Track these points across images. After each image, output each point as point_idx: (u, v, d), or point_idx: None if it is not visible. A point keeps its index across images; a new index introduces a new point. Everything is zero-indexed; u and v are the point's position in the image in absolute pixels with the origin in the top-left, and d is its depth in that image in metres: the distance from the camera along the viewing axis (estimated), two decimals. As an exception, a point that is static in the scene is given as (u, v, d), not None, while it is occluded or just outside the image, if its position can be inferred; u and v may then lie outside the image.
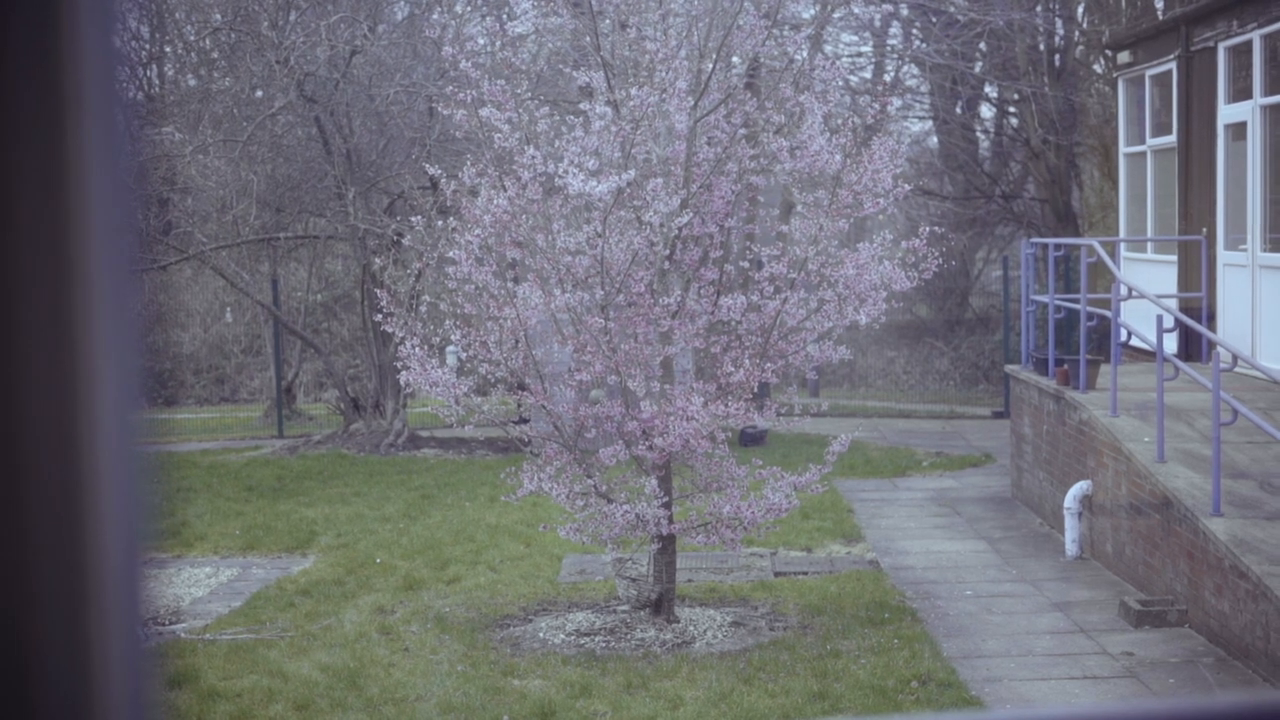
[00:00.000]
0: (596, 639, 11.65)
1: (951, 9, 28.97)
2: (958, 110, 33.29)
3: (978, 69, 31.15)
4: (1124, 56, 20.92)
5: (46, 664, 0.80)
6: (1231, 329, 16.91)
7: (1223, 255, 17.67)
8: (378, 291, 12.80)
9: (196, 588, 13.77)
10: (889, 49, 33.91)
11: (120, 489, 0.78)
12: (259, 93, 22.01)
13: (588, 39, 11.79)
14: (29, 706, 0.80)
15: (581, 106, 11.69)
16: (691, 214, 11.38)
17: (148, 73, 29.45)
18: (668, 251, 11.44)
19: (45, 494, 0.78)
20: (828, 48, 30.17)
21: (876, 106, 12.62)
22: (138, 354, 0.82)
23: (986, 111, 35.15)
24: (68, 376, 0.79)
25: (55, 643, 0.80)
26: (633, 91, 11.19)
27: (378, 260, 18.92)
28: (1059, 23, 30.75)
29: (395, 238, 19.54)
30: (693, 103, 11.38)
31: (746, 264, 12.49)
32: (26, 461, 0.78)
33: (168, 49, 28.69)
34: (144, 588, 0.82)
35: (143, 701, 0.83)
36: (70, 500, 0.78)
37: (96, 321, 0.80)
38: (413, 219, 12.46)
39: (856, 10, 30.81)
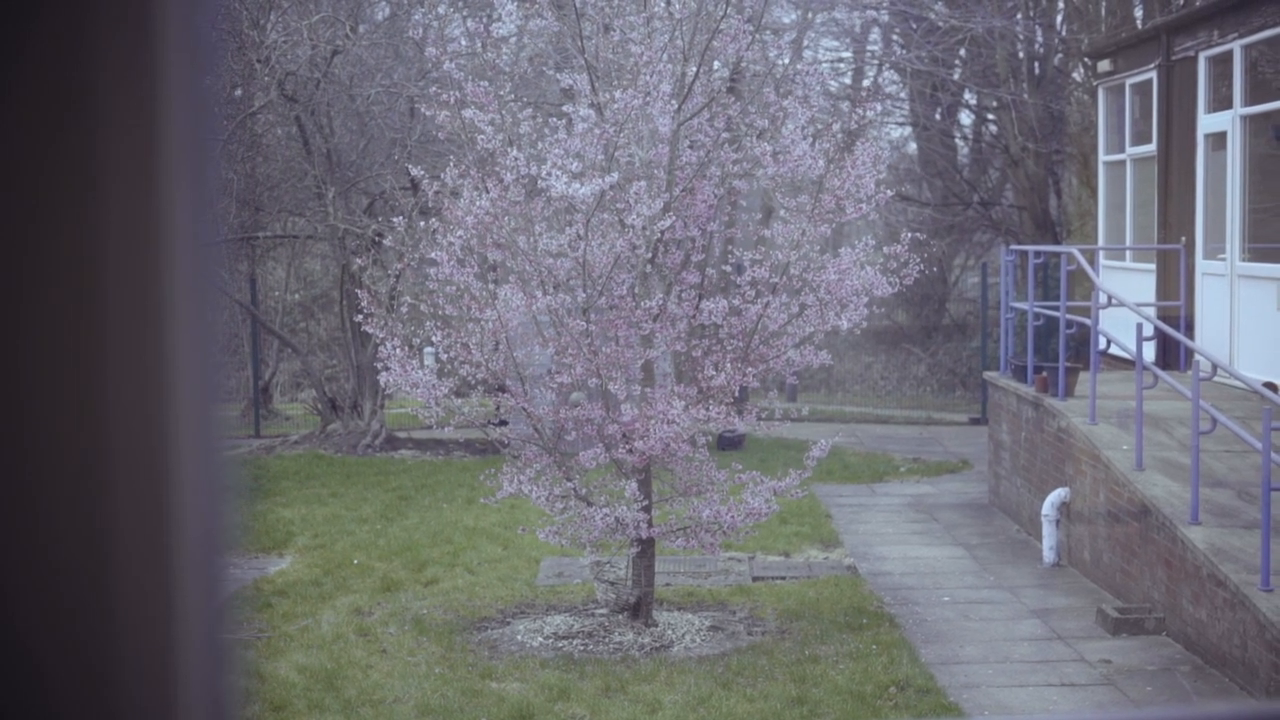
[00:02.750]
0: (574, 642, 11.63)
1: (932, 15, 29.03)
2: (937, 117, 33.35)
3: (957, 75, 31.22)
4: (1104, 65, 20.96)
5: (129, 663, 0.79)
6: (1210, 338, 16.96)
7: (1201, 264, 17.71)
8: (358, 292, 12.78)
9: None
10: (869, 55, 33.95)
11: (202, 486, 0.78)
12: (239, 91, 21.95)
13: (571, 41, 11.78)
14: (112, 705, 0.79)
15: (565, 109, 11.68)
16: (674, 217, 11.37)
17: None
18: (650, 255, 11.43)
19: (131, 494, 0.78)
20: (808, 53, 30.22)
21: (859, 111, 12.61)
22: (218, 351, 0.81)
23: (966, 118, 35.22)
24: (154, 373, 0.78)
25: (138, 640, 0.80)
26: (616, 94, 11.18)
27: (358, 261, 18.88)
28: (1039, 30, 30.82)
29: (375, 238, 19.50)
30: (676, 106, 11.38)
31: (729, 268, 12.49)
32: (111, 470, 0.78)
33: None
34: (225, 586, 0.81)
35: (222, 700, 0.82)
36: (155, 498, 0.78)
37: (181, 317, 0.79)
38: (394, 219, 12.43)
39: (838, 16, 30.85)
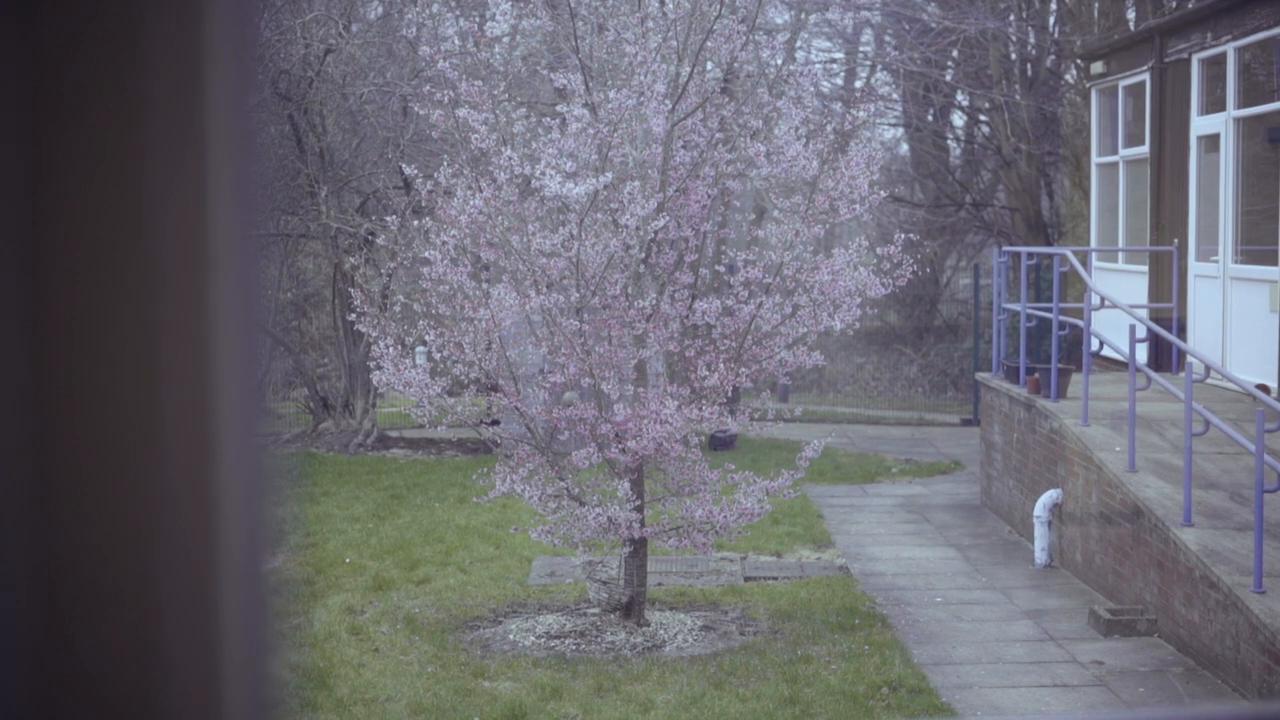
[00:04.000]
0: (567, 641, 11.63)
1: (925, 17, 29.04)
2: (929, 118, 33.36)
3: (949, 77, 31.23)
4: (1097, 67, 20.98)
5: (174, 666, 0.80)
6: (1202, 340, 16.98)
7: (1194, 266, 17.73)
8: (350, 290, 12.76)
9: (164, 586, 13.70)
10: (861, 56, 33.96)
11: (245, 482, 0.78)
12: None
13: (565, 41, 11.78)
14: (158, 706, 0.79)
15: (559, 108, 11.67)
16: (667, 218, 11.37)
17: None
18: (643, 255, 11.43)
19: (179, 489, 0.78)
20: (800, 54, 30.20)
21: (853, 112, 12.62)
22: (260, 352, 0.82)
23: (958, 120, 35.23)
24: (201, 372, 0.78)
25: (184, 642, 0.80)
26: (610, 94, 11.18)
27: (350, 259, 18.86)
28: (1031, 32, 30.83)
29: (368, 237, 19.48)
30: (670, 106, 11.37)
31: (722, 268, 12.48)
32: (162, 471, 0.78)
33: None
34: (268, 588, 0.81)
35: (264, 704, 0.83)
36: (202, 493, 0.78)
37: (226, 313, 0.80)
38: (387, 218, 12.42)
39: (830, 17, 30.85)
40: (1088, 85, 22.16)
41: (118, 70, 0.79)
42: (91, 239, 0.81)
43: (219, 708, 0.82)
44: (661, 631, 11.82)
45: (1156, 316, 17.57)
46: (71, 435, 0.80)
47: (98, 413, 0.80)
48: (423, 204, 12.15)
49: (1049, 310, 16.12)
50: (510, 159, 11.12)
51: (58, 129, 0.80)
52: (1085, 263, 18.90)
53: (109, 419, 0.80)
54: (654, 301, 11.48)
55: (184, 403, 0.80)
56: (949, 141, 34.95)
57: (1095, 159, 21.26)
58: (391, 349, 11.52)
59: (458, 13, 22.13)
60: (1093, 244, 20.95)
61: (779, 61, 19.09)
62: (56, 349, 0.79)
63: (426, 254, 11.42)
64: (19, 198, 0.80)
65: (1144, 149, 19.16)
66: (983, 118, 32.63)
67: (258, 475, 0.81)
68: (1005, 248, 19.22)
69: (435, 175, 11.49)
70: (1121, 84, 19.97)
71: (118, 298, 0.80)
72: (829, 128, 11.88)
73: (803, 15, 27.19)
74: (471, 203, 11.21)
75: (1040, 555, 14.37)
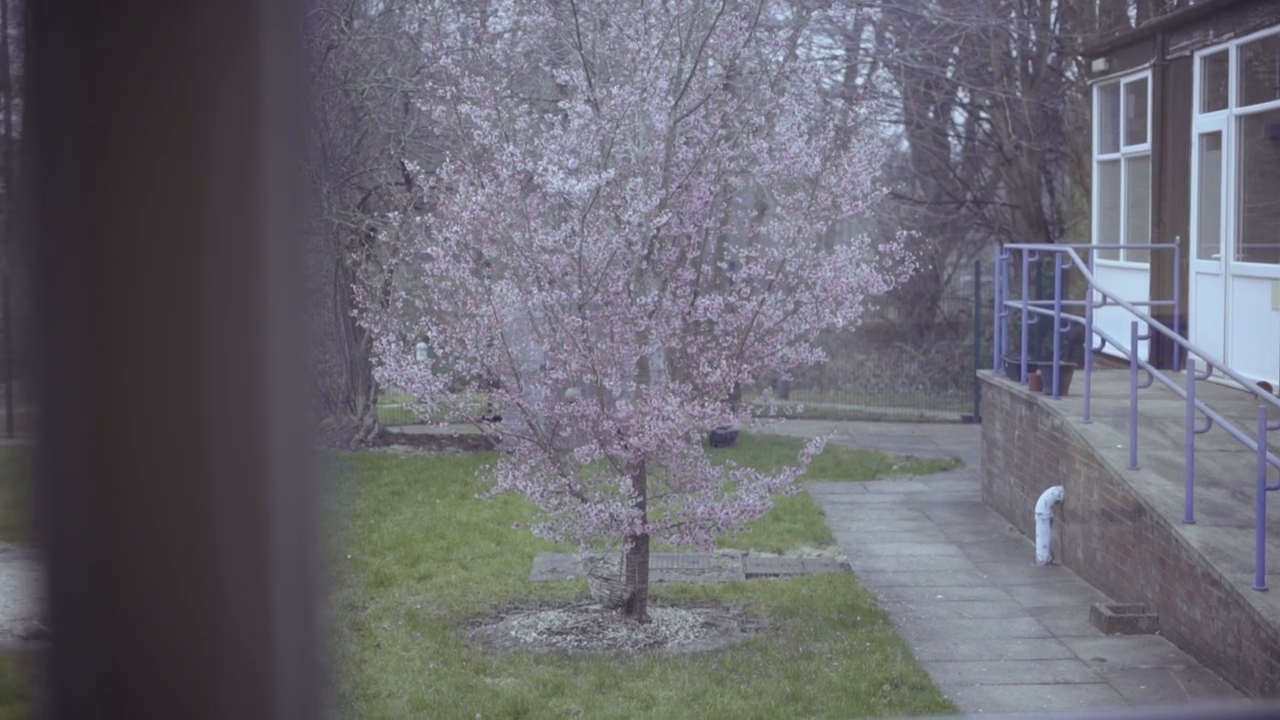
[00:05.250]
0: (568, 638, 11.63)
1: (926, 13, 29.02)
2: (930, 115, 33.34)
3: (950, 74, 31.22)
4: (1099, 64, 20.97)
5: (230, 650, 0.80)
6: (1203, 337, 16.97)
7: (1195, 264, 17.73)
8: (352, 286, 12.76)
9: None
10: (862, 53, 33.94)
11: (297, 482, 0.78)
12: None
13: (568, 37, 11.77)
14: (215, 688, 0.80)
15: (561, 105, 11.67)
16: (670, 214, 11.36)
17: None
18: (645, 251, 11.43)
19: (232, 488, 0.78)
20: (800, 51, 30.19)
21: (855, 109, 12.61)
22: (311, 353, 0.82)
23: (959, 116, 35.20)
24: (256, 364, 0.78)
25: (238, 652, 0.80)
26: (613, 90, 11.17)
27: (352, 255, 18.86)
28: (1032, 29, 30.81)
29: (369, 233, 19.48)
30: (673, 103, 11.37)
31: (724, 265, 12.47)
32: (213, 461, 0.78)
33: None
34: (322, 597, 0.81)
35: (317, 686, 0.83)
36: (255, 492, 0.78)
37: (279, 315, 0.80)
38: (389, 214, 12.42)
39: (832, 14, 30.84)
40: (1089, 82, 22.15)
41: (174, 67, 0.79)
42: (150, 240, 0.81)
43: (272, 702, 0.82)
44: (663, 628, 11.81)
45: (1158, 314, 17.57)
46: (128, 432, 0.80)
47: (154, 410, 0.80)
48: (425, 200, 12.15)
49: (1050, 307, 16.11)
50: (512, 155, 11.11)
51: (115, 125, 0.80)
52: (1087, 260, 18.89)
53: (164, 416, 0.80)
54: (656, 298, 11.47)
55: (238, 399, 0.80)
56: (950, 138, 34.93)
57: (1097, 156, 21.26)
58: (393, 345, 11.52)
59: (459, 9, 22.12)
60: (1094, 241, 20.94)
61: (780, 58, 19.09)
62: (115, 349, 0.80)
63: (428, 250, 11.42)
64: (77, 200, 0.80)
65: (1146, 146, 19.15)
66: (984, 114, 32.61)
67: (309, 475, 0.81)
68: (1007, 245, 19.22)
69: (437, 171, 11.48)
70: (1123, 81, 19.96)
71: (174, 297, 0.80)
72: (830, 124, 11.87)
73: (804, 11, 27.18)
74: (474, 199, 11.20)
75: (1042, 552, 14.37)
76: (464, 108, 11.37)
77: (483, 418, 12.53)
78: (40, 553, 0.81)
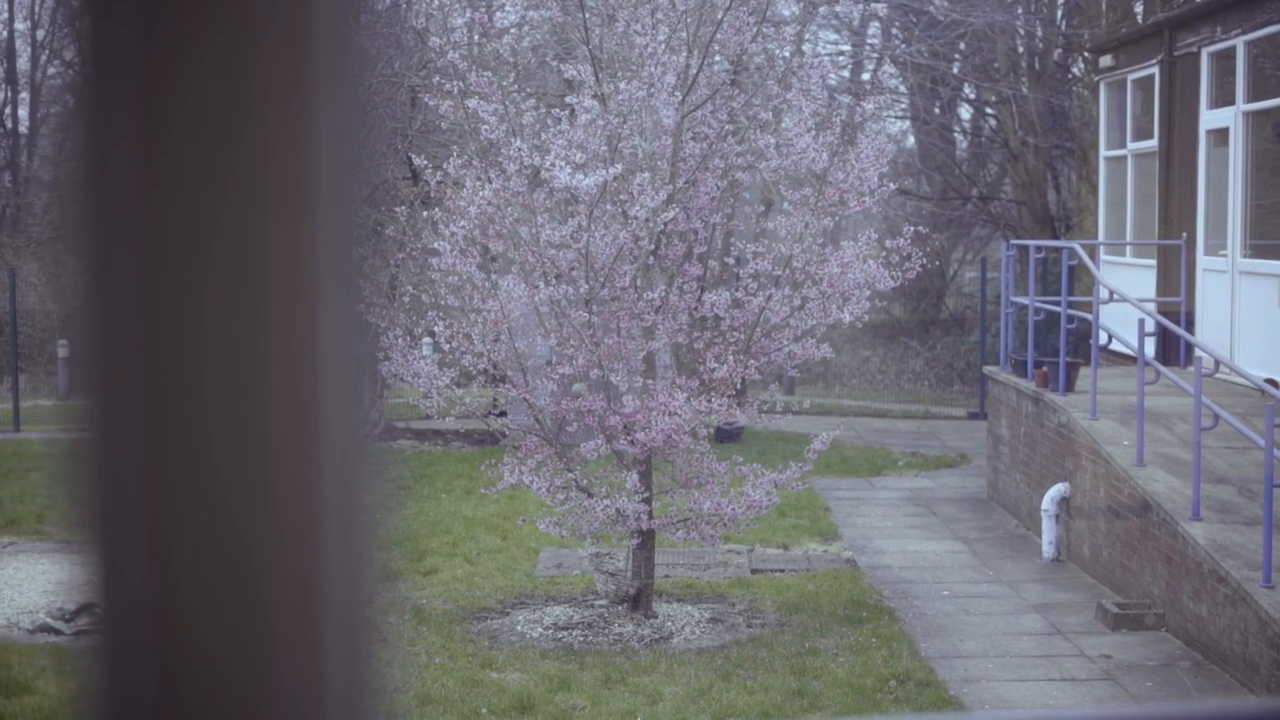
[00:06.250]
0: (574, 633, 11.63)
1: (932, 9, 29.00)
2: (936, 111, 33.31)
3: (956, 69, 31.19)
4: (1106, 60, 20.95)
5: (282, 645, 0.80)
6: (1210, 334, 16.96)
7: (1202, 260, 17.71)
8: (358, 280, 12.74)
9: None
10: (868, 48, 33.92)
11: (349, 490, 0.79)
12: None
13: (575, 32, 11.77)
14: (268, 682, 0.80)
15: (568, 100, 11.66)
16: (677, 209, 11.36)
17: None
18: (652, 246, 11.42)
19: (287, 481, 0.78)
20: (806, 47, 30.17)
21: (863, 105, 12.60)
22: (361, 342, 0.82)
23: (965, 112, 35.19)
24: (309, 369, 0.79)
25: (289, 643, 0.80)
26: (620, 85, 11.17)
27: (358, 249, 18.82)
28: (1039, 25, 30.79)
29: (376, 227, 19.48)
30: (680, 98, 11.36)
31: (732, 260, 12.47)
32: (270, 458, 0.78)
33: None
34: (369, 596, 0.82)
35: (365, 682, 0.83)
36: (308, 486, 0.78)
37: (330, 309, 0.80)
38: (396, 209, 12.42)
39: (838, 9, 30.82)
40: (1096, 79, 22.13)
41: (230, 64, 0.80)
42: (204, 238, 0.81)
43: (323, 692, 0.82)
44: (669, 623, 11.82)
45: (1164, 310, 17.55)
46: (182, 426, 0.80)
47: (207, 404, 0.80)
48: (431, 195, 12.14)
49: (1057, 304, 16.09)
50: (519, 150, 11.11)
51: (172, 122, 0.80)
52: (1093, 256, 18.89)
53: (218, 410, 0.80)
54: (663, 293, 11.47)
55: (291, 400, 0.80)
56: (956, 134, 34.92)
57: (1103, 152, 21.24)
58: (400, 340, 11.52)
59: (466, 3, 22.11)
60: (1100, 238, 20.91)
61: (787, 54, 19.08)
62: (169, 345, 0.80)
63: (435, 245, 11.42)
64: (133, 200, 0.80)
65: (1152, 143, 19.13)
66: (990, 111, 32.59)
67: (360, 467, 0.81)
68: (1013, 241, 19.21)
69: (444, 166, 11.48)
70: (1130, 78, 19.94)
71: (228, 292, 0.81)
72: (836, 119, 11.87)
73: (811, 6, 27.16)
74: (480, 194, 11.20)
75: (1048, 549, 14.36)
76: (471, 102, 11.37)
77: (489, 413, 12.53)
78: (96, 546, 0.81)
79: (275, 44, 0.80)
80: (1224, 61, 17.31)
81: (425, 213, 11.98)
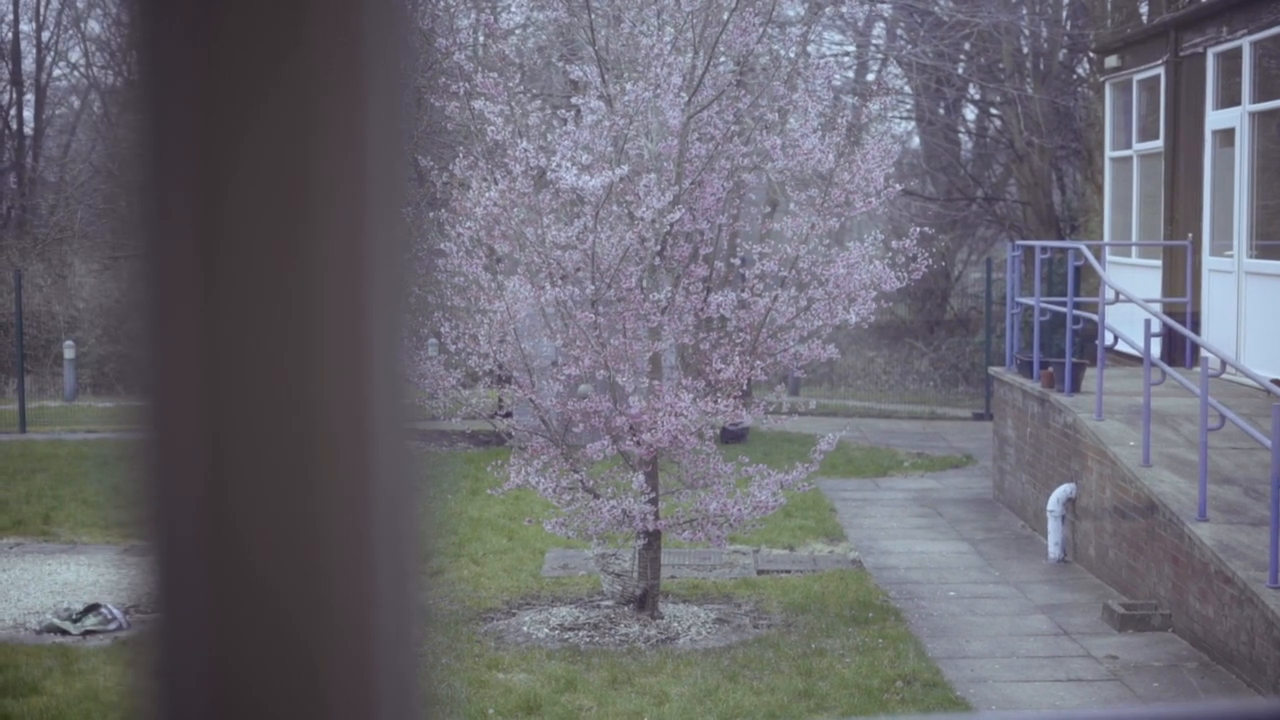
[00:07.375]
0: (580, 634, 11.63)
1: (937, 10, 28.99)
2: (941, 111, 33.30)
3: (961, 70, 31.19)
4: (1111, 61, 20.94)
5: (331, 664, 0.80)
6: (1216, 335, 16.95)
7: (1208, 261, 17.70)
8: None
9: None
10: (873, 49, 33.91)
11: (397, 489, 0.79)
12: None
13: (581, 33, 11.77)
14: (318, 682, 0.80)
15: (574, 101, 11.67)
16: (683, 210, 11.36)
17: (130, 58, 29.32)
18: (658, 247, 11.42)
19: (337, 483, 0.79)
20: (812, 47, 30.17)
21: (868, 105, 12.59)
22: (409, 342, 0.83)
23: (970, 113, 35.17)
24: (359, 356, 0.79)
25: (340, 642, 0.81)
26: (626, 86, 11.17)
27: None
28: (1044, 25, 30.78)
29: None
30: (686, 99, 11.36)
31: (738, 261, 12.47)
32: (321, 464, 0.79)
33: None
34: (419, 595, 0.83)
35: (415, 685, 0.84)
36: (358, 503, 0.79)
37: (380, 306, 0.81)
38: (402, 209, 12.42)
39: (843, 10, 30.81)
40: (1101, 79, 22.12)
41: (285, 64, 0.80)
42: (258, 243, 0.82)
43: (374, 691, 0.83)
44: (675, 624, 11.82)
45: (1170, 311, 17.55)
46: (236, 424, 0.80)
47: (261, 403, 0.81)
48: (437, 196, 12.14)
49: (1062, 304, 16.09)
50: (525, 151, 11.11)
51: (229, 122, 0.80)
52: (1099, 257, 18.87)
53: (271, 409, 0.81)
54: (669, 294, 11.48)
55: (342, 400, 0.81)
56: (961, 135, 34.91)
57: (1109, 153, 21.23)
58: (405, 340, 11.51)
59: (472, 4, 22.12)
60: (1106, 238, 20.91)
61: (792, 54, 19.08)
62: (223, 345, 0.80)
63: (441, 246, 11.42)
64: (189, 198, 0.81)
65: (1158, 143, 19.12)
66: (995, 111, 32.58)
67: (409, 467, 0.82)
68: (1018, 242, 19.20)
69: (450, 167, 11.48)
70: (1135, 78, 19.93)
71: (282, 291, 0.81)
72: (841, 120, 11.86)
73: (816, 7, 27.15)
74: (486, 195, 11.20)
75: (1053, 550, 14.35)
76: (477, 103, 11.37)
77: (495, 414, 12.54)
78: (151, 544, 0.81)
79: (328, 43, 0.81)
80: (1230, 62, 17.30)
81: (431, 214, 11.98)
